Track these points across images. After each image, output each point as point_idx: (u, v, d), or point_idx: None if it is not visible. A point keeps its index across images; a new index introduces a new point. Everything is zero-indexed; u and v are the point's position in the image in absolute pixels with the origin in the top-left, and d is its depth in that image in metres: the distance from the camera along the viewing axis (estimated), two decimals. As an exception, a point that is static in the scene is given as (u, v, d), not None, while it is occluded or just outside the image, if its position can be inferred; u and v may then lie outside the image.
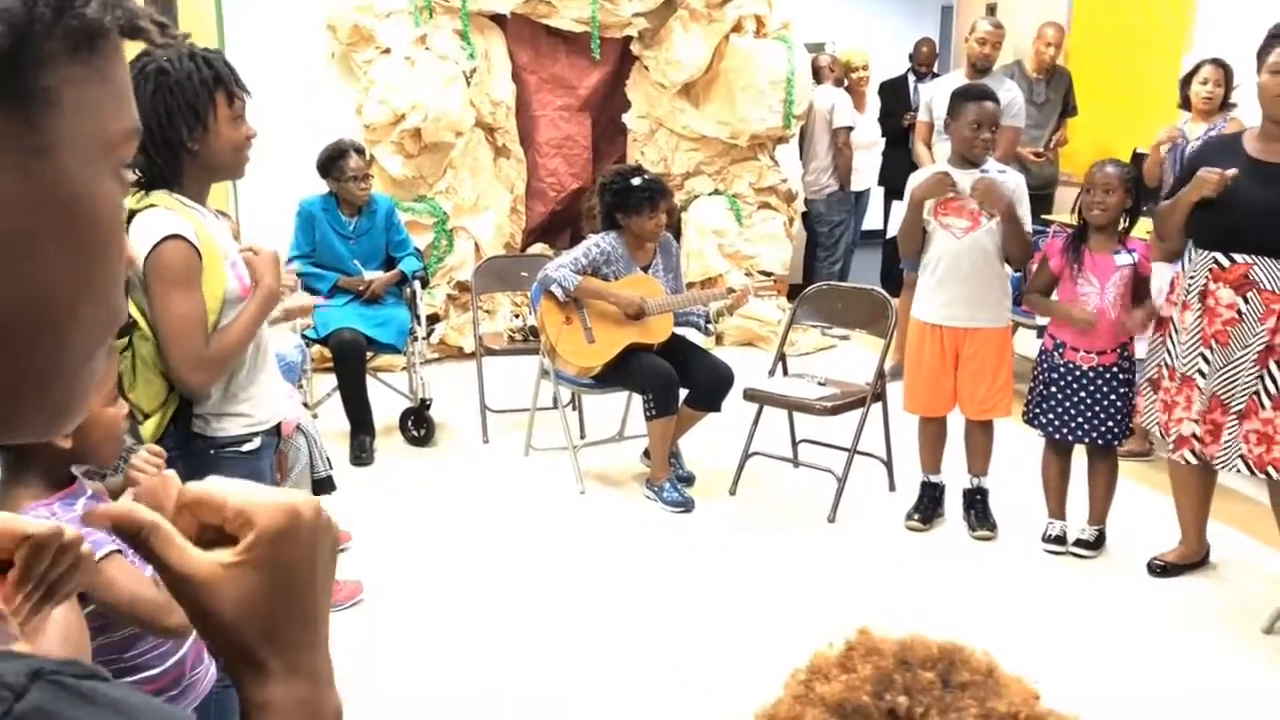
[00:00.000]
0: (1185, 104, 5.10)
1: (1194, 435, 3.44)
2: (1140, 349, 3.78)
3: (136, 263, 2.12)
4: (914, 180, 3.94)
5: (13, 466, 1.68)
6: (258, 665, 0.64)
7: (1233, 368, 3.35)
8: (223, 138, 2.19)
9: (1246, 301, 3.31)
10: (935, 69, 7.86)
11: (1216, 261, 3.35)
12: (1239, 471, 3.42)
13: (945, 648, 0.68)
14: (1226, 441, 3.36)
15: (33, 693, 0.47)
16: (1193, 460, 3.47)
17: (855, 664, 0.67)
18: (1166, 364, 3.54)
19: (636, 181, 4.24)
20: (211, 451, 2.26)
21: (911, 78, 7.66)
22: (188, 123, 2.14)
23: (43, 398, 0.58)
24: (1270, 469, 3.33)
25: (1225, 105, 4.95)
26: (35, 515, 1.64)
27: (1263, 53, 3.26)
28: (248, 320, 2.25)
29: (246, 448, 2.31)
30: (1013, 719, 0.62)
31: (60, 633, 1.27)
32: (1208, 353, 3.39)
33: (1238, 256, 3.32)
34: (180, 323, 2.15)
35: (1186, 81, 5.08)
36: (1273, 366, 3.30)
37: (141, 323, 2.18)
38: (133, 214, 2.16)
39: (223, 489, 0.66)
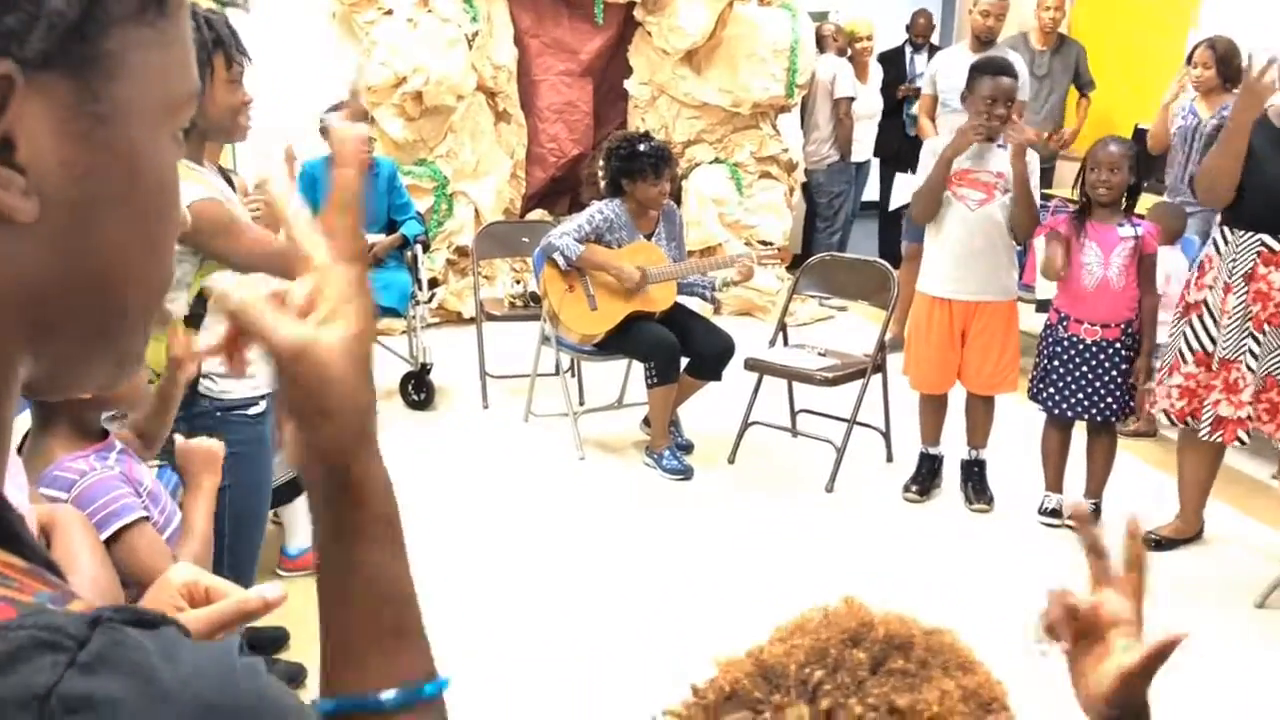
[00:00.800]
0: (1193, 84, 5.10)
1: (1246, 418, 3.39)
2: (1161, 335, 3.78)
3: (187, 221, 2.13)
4: (925, 152, 3.91)
5: (42, 419, 1.70)
6: (369, 437, 0.66)
7: None
8: (218, 102, 2.18)
9: None
10: (935, 40, 7.84)
11: (1265, 244, 3.33)
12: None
13: (902, 634, 0.67)
14: None
15: (94, 640, 0.47)
16: (1246, 441, 3.44)
17: (811, 629, 0.69)
18: (1193, 349, 3.50)
19: (644, 147, 4.24)
20: (218, 413, 2.27)
21: (909, 49, 7.64)
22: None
23: (111, 351, 0.59)
24: None
25: (1227, 83, 4.94)
26: (72, 464, 1.65)
27: None
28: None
29: (252, 411, 2.33)
30: (913, 714, 0.61)
31: (95, 589, 1.29)
32: (1259, 335, 3.35)
33: None
34: (261, 255, 2.20)
35: (1190, 60, 5.08)
36: None
37: None
38: None
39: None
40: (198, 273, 2.23)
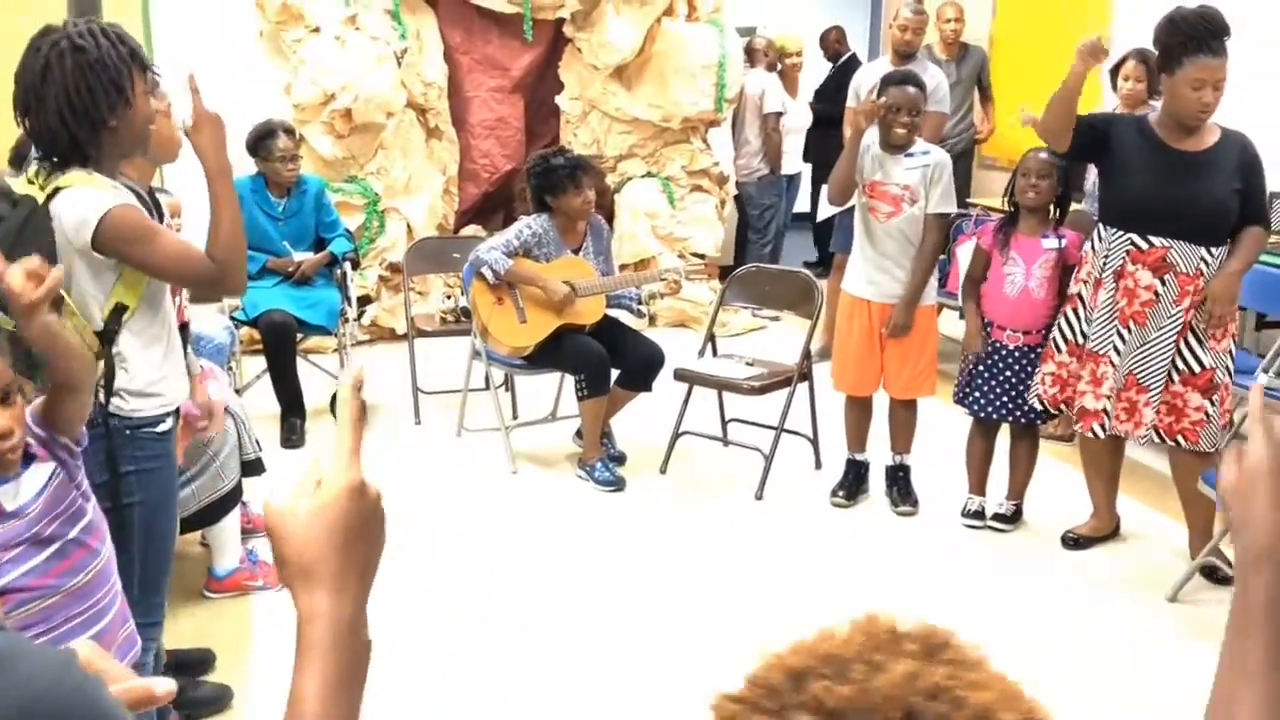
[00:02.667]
0: (1118, 94, 5.22)
1: (1104, 410, 3.55)
2: None
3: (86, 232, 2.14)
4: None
5: None
6: (313, 576, 0.82)
7: (1149, 347, 3.47)
8: (140, 113, 2.21)
9: (1164, 284, 3.42)
10: (865, 54, 8.00)
11: (1134, 243, 3.45)
12: (1152, 441, 3.57)
13: (935, 631, 0.68)
14: (1149, 420, 3.49)
15: None
16: (1101, 434, 3.58)
17: (851, 634, 0.70)
18: (1066, 339, 3.64)
19: (557, 161, 4.29)
20: (126, 431, 2.26)
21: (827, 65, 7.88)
22: (110, 99, 2.14)
23: None
24: (1180, 437, 3.49)
25: (1152, 95, 5.08)
26: None
27: (1175, 52, 3.28)
28: (230, 205, 2.29)
29: (160, 429, 2.33)
30: (973, 685, 0.63)
31: None
32: (1125, 331, 3.49)
33: (1155, 240, 3.42)
34: (173, 259, 2.22)
35: (1115, 71, 5.21)
36: (1183, 344, 3.44)
37: (67, 298, 2.18)
38: (56, 190, 2.15)
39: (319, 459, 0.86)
40: (117, 283, 2.22)
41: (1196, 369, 3.45)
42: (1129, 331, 3.49)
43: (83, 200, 2.14)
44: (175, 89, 2.50)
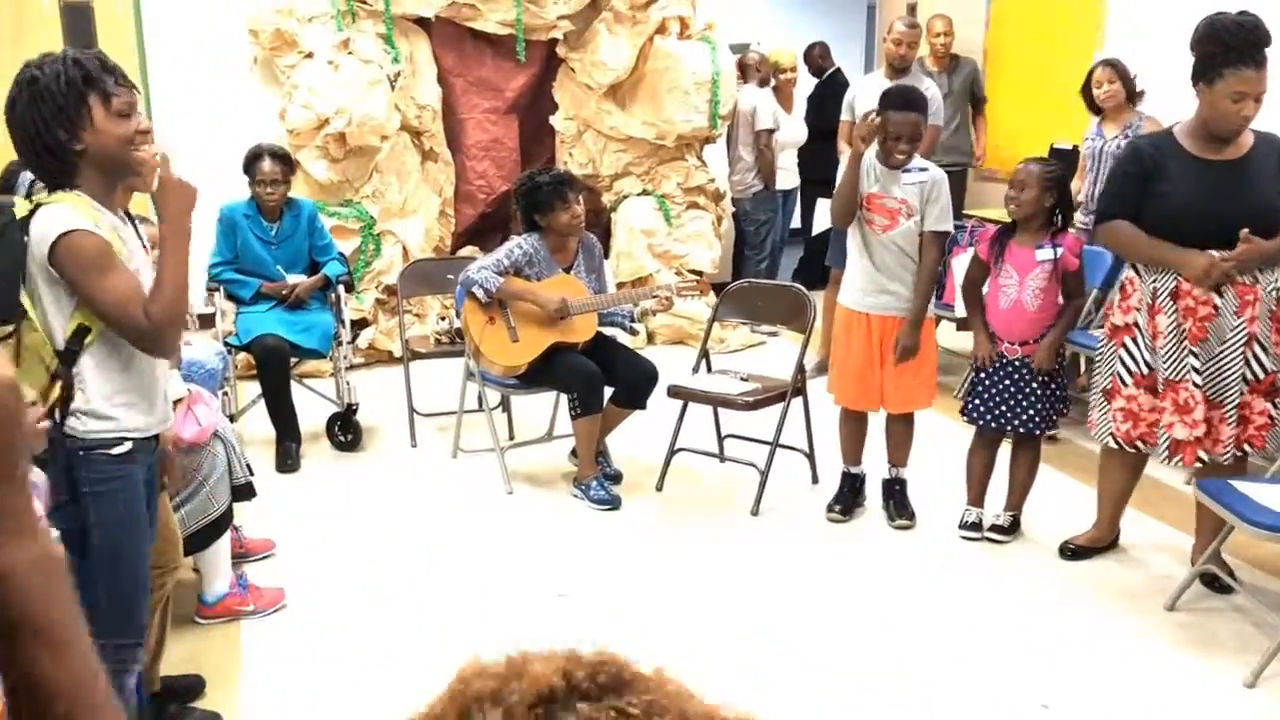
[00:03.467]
0: (1093, 108, 5.23)
1: (1198, 438, 3.36)
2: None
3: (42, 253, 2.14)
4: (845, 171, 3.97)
5: None
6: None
7: (1217, 361, 3.34)
8: (106, 135, 2.18)
9: (1222, 296, 3.32)
10: (860, 67, 8.01)
11: None
12: (1235, 456, 3.42)
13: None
14: (1227, 437, 3.36)
15: None
16: (1206, 462, 3.40)
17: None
18: (1131, 372, 3.47)
19: (541, 178, 4.29)
20: (80, 452, 2.26)
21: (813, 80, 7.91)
22: (63, 125, 2.14)
23: None
24: (1247, 444, 3.41)
25: (1131, 100, 5.09)
26: None
27: (1218, 66, 3.20)
28: (179, 263, 2.24)
29: (115, 451, 2.30)
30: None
31: None
32: (1197, 351, 3.35)
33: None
34: (112, 302, 2.16)
35: (1087, 87, 5.21)
36: (1248, 354, 3.35)
37: (31, 313, 2.19)
38: (39, 207, 2.18)
39: None
40: (80, 305, 2.21)
41: (1261, 375, 3.37)
42: (1200, 350, 3.35)
43: (51, 218, 2.16)
44: (166, 136, 2.49)
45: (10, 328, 2.21)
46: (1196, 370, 3.34)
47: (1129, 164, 3.48)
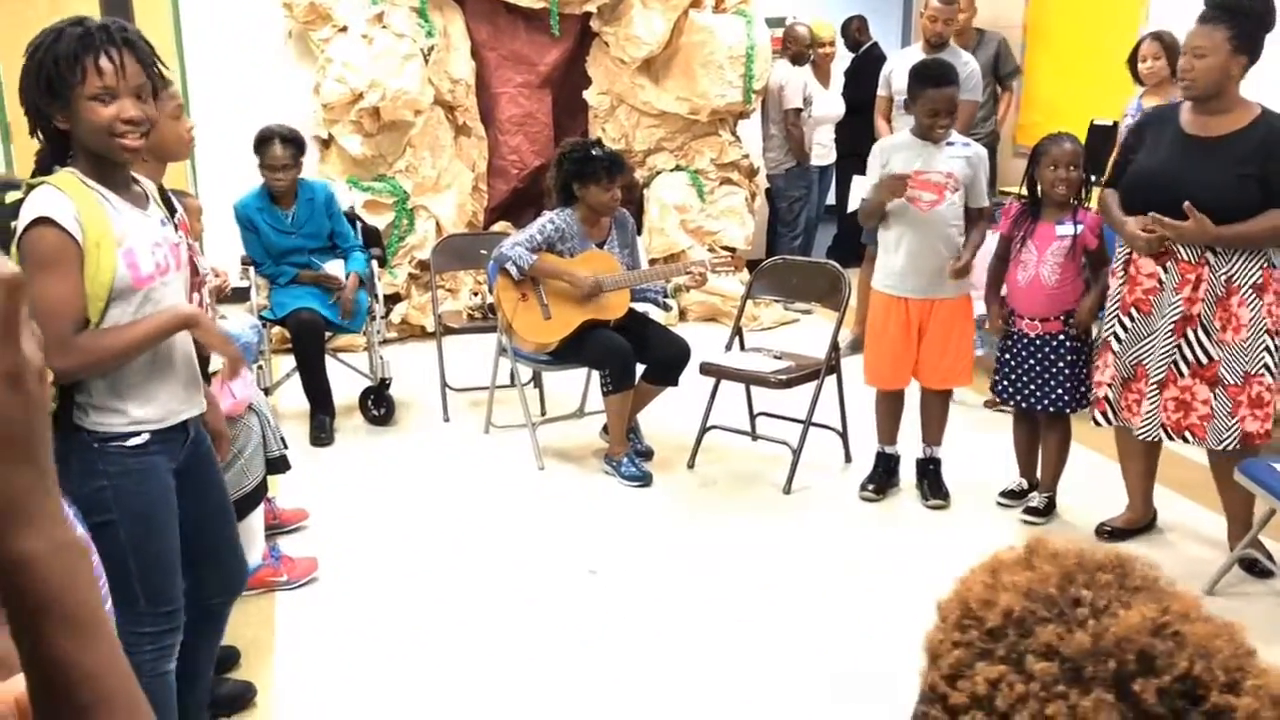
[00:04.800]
0: (1138, 80, 5.14)
1: (1106, 399, 3.54)
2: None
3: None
4: (874, 154, 3.94)
5: None
6: (8, 514, 0.62)
7: (1153, 336, 3.40)
8: (82, 116, 2.04)
9: (1166, 271, 3.35)
10: (898, 42, 7.90)
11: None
12: (1160, 440, 3.50)
13: (1116, 556, 0.72)
14: (1148, 411, 3.43)
15: None
16: (1104, 422, 3.58)
17: (1037, 564, 0.73)
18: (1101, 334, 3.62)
19: (596, 152, 4.27)
20: (95, 445, 2.17)
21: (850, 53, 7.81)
22: (50, 99, 2.04)
23: None
24: (1187, 433, 3.41)
25: (1175, 75, 4.98)
26: None
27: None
28: (134, 337, 2.14)
29: (132, 443, 2.21)
30: (1184, 618, 0.67)
31: None
32: (1126, 320, 3.45)
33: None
34: (43, 305, 2.00)
35: (1133, 58, 5.12)
36: (1189, 335, 3.35)
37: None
38: (31, 189, 2.10)
39: None
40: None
41: (1204, 360, 3.35)
42: (1130, 319, 3.44)
43: (31, 204, 2.05)
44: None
45: None
46: (1118, 337, 3.48)
47: (1130, 133, 3.59)
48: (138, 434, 2.22)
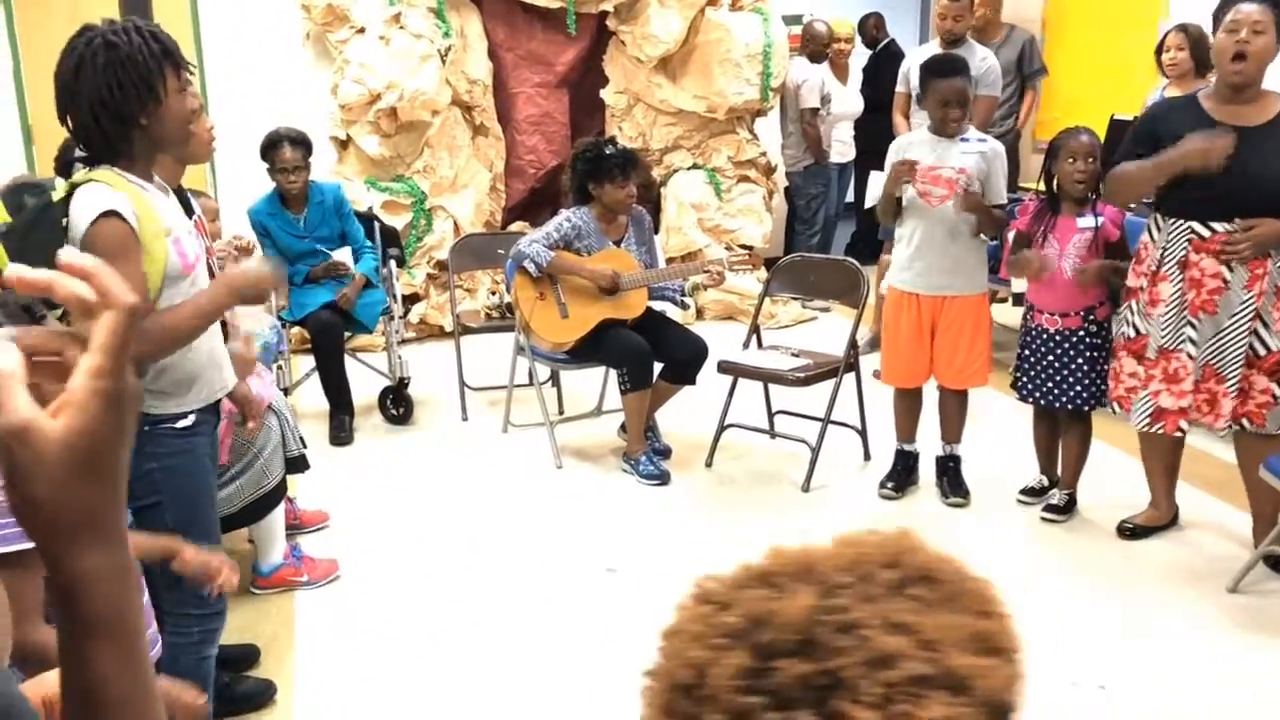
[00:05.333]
0: (1164, 71, 5.10)
1: (1185, 408, 3.37)
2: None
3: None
4: (892, 151, 3.94)
5: None
6: (83, 535, 0.63)
7: (1223, 336, 3.31)
8: (173, 111, 2.19)
9: (1232, 270, 3.27)
10: (915, 40, 7.87)
11: (1194, 232, 3.30)
12: (1231, 430, 3.43)
13: (938, 568, 0.72)
14: (1228, 411, 3.34)
15: None
16: (1185, 432, 3.42)
17: (861, 544, 0.74)
18: (1128, 336, 3.50)
19: (610, 150, 4.27)
20: (145, 428, 2.24)
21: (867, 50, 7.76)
22: (140, 96, 2.14)
23: None
24: (1245, 420, 3.37)
25: (1201, 69, 4.94)
26: None
27: (1219, 12, 3.23)
28: (198, 311, 2.23)
29: (180, 424, 2.31)
30: (912, 633, 0.65)
31: None
32: (1195, 323, 3.33)
33: (1217, 226, 3.26)
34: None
35: (1159, 50, 5.09)
36: (1257, 329, 3.30)
37: None
38: (75, 188, 2.17)
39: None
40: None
41: (1263, 351, 3.31)
42: (1199, 322, 3.33)
43: (89, 200, 2.13)
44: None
45: (58, 313, 2.20)
46: (1193, 342, 3.33)
47: (1143, 121, 3.48)
48: (186, 415, 2.30)
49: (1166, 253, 3.37)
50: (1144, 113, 3.63)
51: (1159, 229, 3.42)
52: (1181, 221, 3.34)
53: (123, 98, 2.13)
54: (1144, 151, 3.34)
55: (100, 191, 2.14)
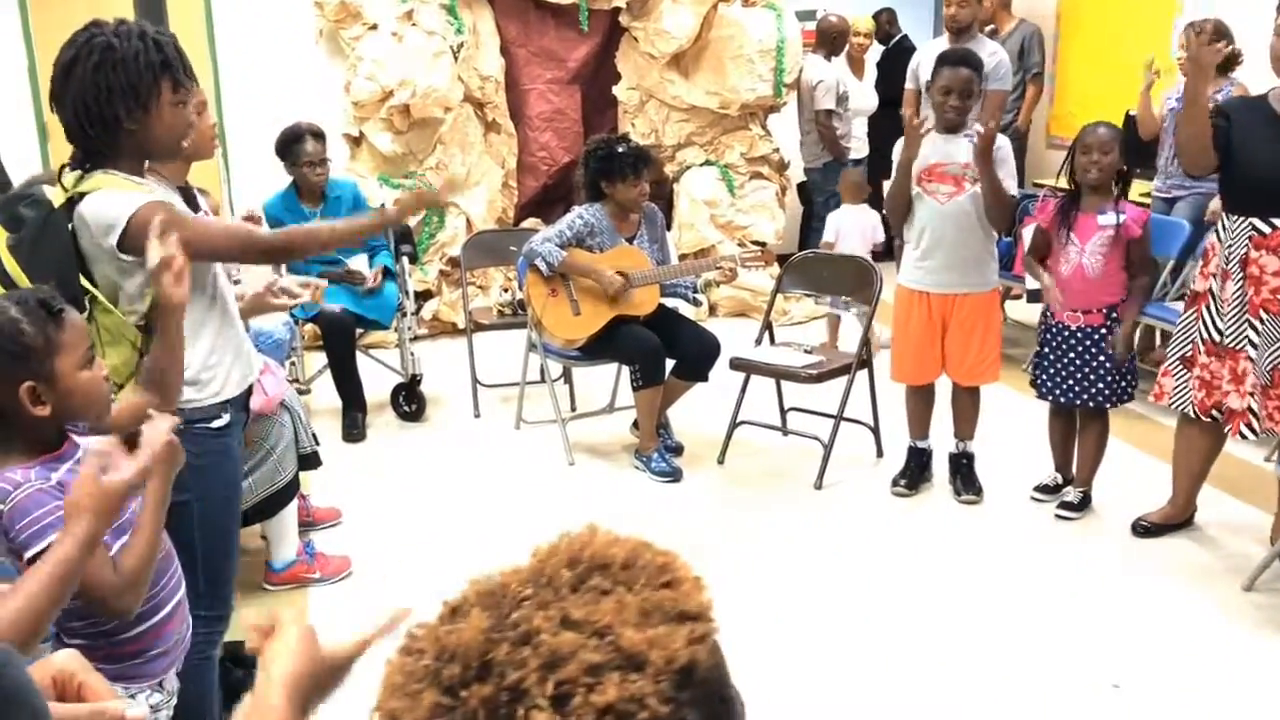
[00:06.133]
0: (1185, 69, 5.05)
1: (1249, 409, 3.31)
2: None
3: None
4: (896, 150, 3.93)
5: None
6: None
7: None
8: (165, 122, 2.16)
9: None
10: (929, 33, 7.82)
11: (1255, 229, 3.27)
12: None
13: (611, 554, 0.72)
14: (1278, 411, 3.29)
15: None
16: (1252, 436, 3.36)
17: (546, 552, 0.75)
18: (1204, 338, 3.42)
19: (621, 148, 4.26)
20: (182, 426, 2.25)
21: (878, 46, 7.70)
22: (126, 103, 2.11)
23: None
24: None
25: (1226, 66, 4.90)
26: (11, 474, 1.66)
27: None
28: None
29: (215, 424, 2.31)
30: (586, 625, 0.66)
31: None
32: (1256, 323, 3.28)
33: (1278, 221, 3.24)
34: (221, 233, 2.28)
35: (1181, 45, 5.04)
36: None
37: (100, 295, 2.17)
38: (80, 196, 2.14)
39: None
40: (150, 283, 2.22)
41: None
42: (1261, 322, 3.28)
43: (110, 203, 2.11)
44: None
45: (85, 313, 2.19)
46: (1252, 342, 3.29)
47: (1214, 115, 3.38)
48: (220, 414, 2.31)
49: (1231, 251, 3.34)
50: (1216, 105, 3.55)
51: (1224, 228, 3.39)
52: (1243, 219, 3.31)
53: (107, 101, 2.10)
54: (1221, 115, 3.34)
55: (116, 195, 2.12)
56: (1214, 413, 3.43)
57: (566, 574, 0.70)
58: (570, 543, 0.73)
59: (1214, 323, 3.39)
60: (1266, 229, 3.26)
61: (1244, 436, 3.37)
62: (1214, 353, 3.40)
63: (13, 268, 2.11)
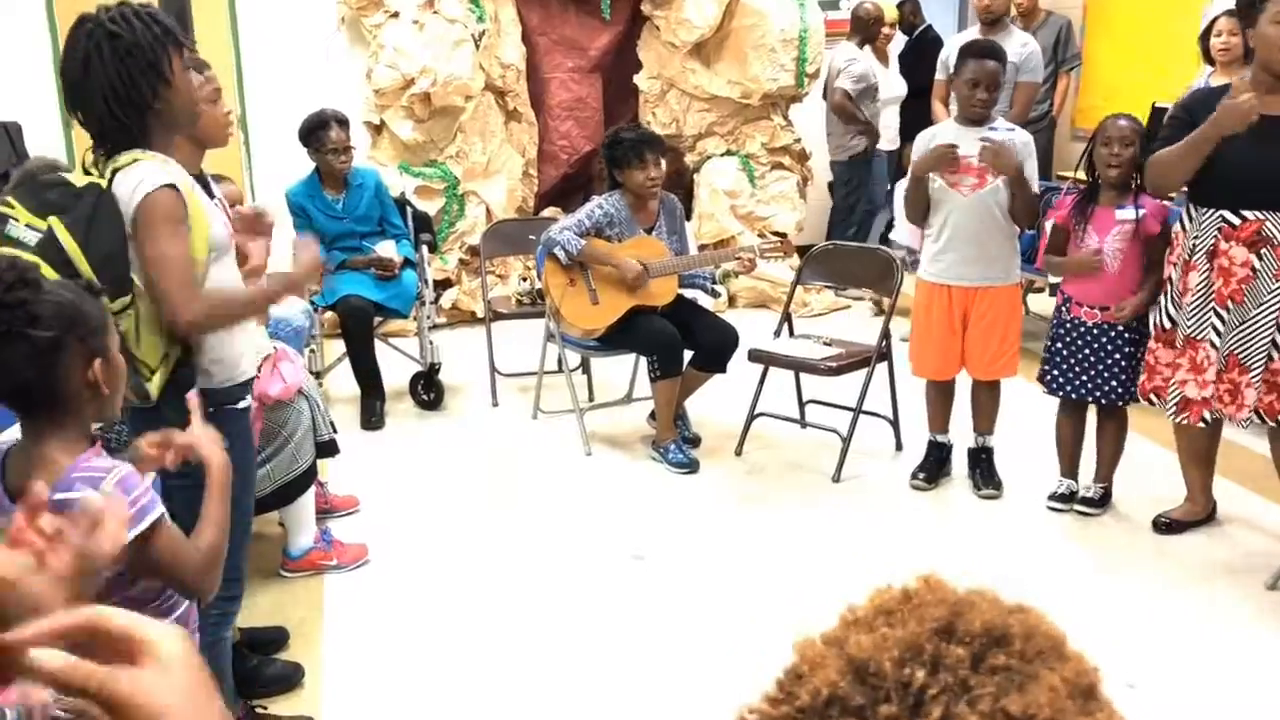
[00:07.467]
0: (1208, 58, 5.00)
1: (1206, 398, 3.33)
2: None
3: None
4: (918, 142, 3.90)
5: (37, 428, 1.67)
6: None
7: (1249, 325, 3.27)
8: (180, 89, 2.22)
9: (1261, 259, 3.22)
10: (956, 24, 7.76)
11: (1225, 220, 3.26)
12: (1254, 423, 3.38)
13: (996, 622, 0.60)
14: (1251, 401, 3.29)
15: None
16: (1208, 423, 3.38)
17: (898, 619, 0.61)
18: (1164, 327, 3.45)
19: (627, 135, 4.26)
20: (210, 408, 2.22)
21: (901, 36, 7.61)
22: (150, 82, 2.15)
23: None
24: (1264, 413, 3.31)
25: (1250, 57, 4.83)
26: (97, 461, 1.65)
27: (1263, 1, 3.15)
28: (251, 297, 2.40)
29: (240, 405, 2.36)
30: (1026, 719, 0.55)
31: None
32: (1222, 312, 3.29)
33: (1248, 214, 3.22)
34: (176, 259, 2.16)
35: (1206, 35, 4.99)
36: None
37: (138, 281, 2.19)
38: (114, 172, 2.17)
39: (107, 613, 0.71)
40: None
41: None
42: (1227, 312, 3.28)
43: (137, 174, 2.15)
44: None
45: (128, 299, 2.20)
46: (1217, 331, 3.29)
47: (1181, 109, 3.40)
48: (244, 395, 2.36)
49: (1198, 242, 3.33)
50: (1181, 101, 3.54)
51: (1190, 219, 3.38)
52: (1212, 210, 3.29)
53: (134, 85, 2.14)
54: (1177, 139, 3.30)
55: (151, 168, 2.16)
56: (1152, 396, 3.50)
57: (959, 651, 0.58)
58: (922, 602, 0.62)
59: (1166, 311, 3.43)
60: (1236, 221, 3.24)
61: (1205, 423, 3.38)
62: (1163, 339, 3.44)
63: (70, 246, 2.11)
